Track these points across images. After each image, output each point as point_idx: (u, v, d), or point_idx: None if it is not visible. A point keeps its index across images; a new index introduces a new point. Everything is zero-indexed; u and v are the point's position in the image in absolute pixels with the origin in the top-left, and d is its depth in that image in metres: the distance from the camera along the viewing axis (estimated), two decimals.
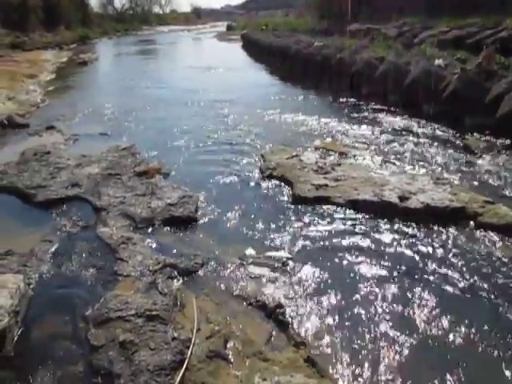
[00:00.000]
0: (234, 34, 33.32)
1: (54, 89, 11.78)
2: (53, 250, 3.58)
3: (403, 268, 3.24)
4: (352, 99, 9.07)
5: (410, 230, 3.76)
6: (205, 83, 11.69)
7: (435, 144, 6.06)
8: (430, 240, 3.61)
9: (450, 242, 3.59)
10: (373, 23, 16.82)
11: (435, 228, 3.78)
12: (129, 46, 28.23)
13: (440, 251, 3.45)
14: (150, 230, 3.85)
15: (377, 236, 3.69)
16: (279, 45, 15.91)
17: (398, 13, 17.11)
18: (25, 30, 25.47)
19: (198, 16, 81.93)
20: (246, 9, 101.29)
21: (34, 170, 5.30)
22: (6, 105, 8.98)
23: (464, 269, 3.21)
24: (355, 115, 7.76)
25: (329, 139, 6.33)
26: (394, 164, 5.28)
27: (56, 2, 31.67)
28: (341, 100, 9.04)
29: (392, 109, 8.08)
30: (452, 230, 3.75)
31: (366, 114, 7.87)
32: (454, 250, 3.45)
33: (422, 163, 5.33)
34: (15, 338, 2.59)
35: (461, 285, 3.03)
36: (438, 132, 6.63)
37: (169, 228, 3.88)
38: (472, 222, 3.82)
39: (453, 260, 3.33)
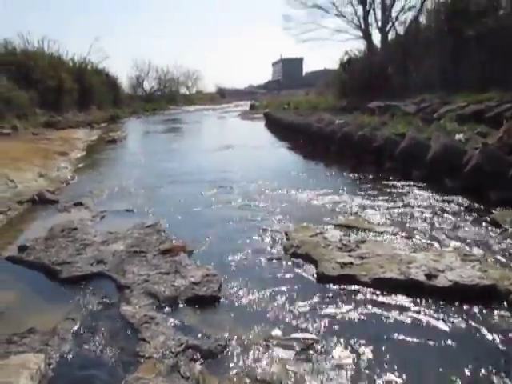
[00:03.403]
0: (256, 113, 34.46)
1: (83, 166, 12.23)
2: (75, 328, 3.56)
3: (435, 350, 3.10)
4: (374, 175, 9.14)
5: (439, 310, 3.63)
6: (228, 161, 11.99)
7: (461, 219, 5.99)
8: (460, 320, 3.47)
9: (481, 321, 3.44)
10: (392, 100, 17.31)
11: (465, 307, 3.65)
12: (156, 125, 29.44)
13: (471, 332, 3.31)
14: (173, 309, 3.81)
15: (405, 317, 3.57)
16: (301, 123, 16.36)
17: (415, 89, 17.65)
18: (60, 110, 27.09)
19: (223, 96, 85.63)
20: (267, 88, 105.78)
21: (61, 246, 5.40)
22: (38, 181, 9.33)
23: (498, 351, 3.06)
24: (378, 191, 7.78)
25: (352, 216, 6.33)
26: (420, 240, 5.20)
27: (90, 86, 33.76)
28: (363, 176, 9.12)
29: (415, 184, 8.09)
30: (483, 308, 3.62)
31: (388, 189, 7.89)
32: (486, 331, 3.31)
33: (448, 239, 5.24)
34: None
35: (496, 369, 2.87)
36: (463, 207, 6.57)
37: (192, 307, 3.83)
38: (504, 301, 3.69)
39: (485, 341, 3.18)
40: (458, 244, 5.06)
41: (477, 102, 12.35)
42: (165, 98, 62.26)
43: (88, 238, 5.62)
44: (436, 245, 5.04)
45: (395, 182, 8.30)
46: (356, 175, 9.29)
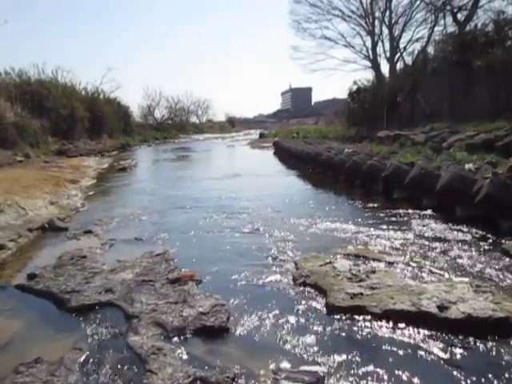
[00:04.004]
0: (266, 142, 34.71)
1: (93, 193, 12.32)
2: (82, 358, 3.53)
3: None
4: (384, 204, 9.11)
5: (451, 343, 3.56)
6: (237, 189, 12.01)
7: (472, 249, 5.92)
8: (473, 354, 3.40)
9: (494, 355, 3.37)
10: (401, 129, 17.40)
11: (478, 340, 3.57)
12: (166, 153, 29.73)
13: (484, 366, 3.23)
14: (181, 339, 3.77)
15: (417, 349, 3.50)
16: (310, 152, 16.41)
17: (424, 119, 17.75)
18: (71, 138, 27.55)
19: (232, 125, 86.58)
20: (277, 117, 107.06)
21: (70, 274, 5.41)
22: (49, 209, 9.40)
23: None
24: (388, 220, 7.74)
25: (362, 245, 6.28)
26: (431, 271, 5.14)
27: (101, 115, 34.34)
28: (373, 205, 9.09)
29: (424, 213, 8.05)
30: (497, 342, 3.54)
31: (398, 218, 7.85)
32: (500, 365, 3.23)
33: (459, 269, 5.18)
34: None
35: None
36: (474, 236, 6.50)
37: (200, 338, 3.79)
38: None
39: (500, 376, 3.10)
40: (469, 275, 4.99)
41: (486, 131, 12.37)
42: (175, 127, 63.04)
43: (97, 267, 5.64)
44: (447, 275, 4.97)
45: (405, 212, 8.26)
46: (365, 204, 9.25)
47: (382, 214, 8.23)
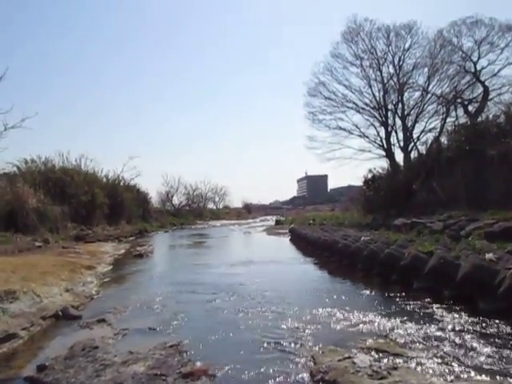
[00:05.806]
0: (282, 228, 34.85)
1: (109, 280, 12.28)
2: None
3: None
4: (403, 294, 8.86)
5: None
6: (253, 278, 11.84)
7: (498, 344, 5.64)
8: None
9: None
10: (417, 217, 17.36)
11: None
12: (182, 239, 29.87)
13: None
14: None
15: None
16: (327, 239, 16.36)
17: (441, 206, 17.75)
18: (90, 223, 28.08)
19: (249, 211, 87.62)
20: (293, 204, 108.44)
21: (80, 366, 5.29)
22: (63, 296, 9.35)
23: None
24: (408, 311, 7.51)
25: (382, 339, 6.04)
26: (456, 368, 4.88)
27: (121, 201, 35.16)
28: (391, 295, 8.86)
29: (446, 304, 7.80)
30: None
31: (419, 310, 7.61)
32: None
33: (486, 367, 4.91)
34: None
35: None
36: (500, 331, 6.23)
37: None
38: None
39: None
40: (497, 373, 4.73)
41: (505, 219, 12.28)
42: (192, 213, 63.98)
43: (108, 358, 5.50)
44: (473, 373, 4.72)
45: (425, 303, 8.02)
46: (384, 294, 9.03)
47: (401, 305, 8.00)
